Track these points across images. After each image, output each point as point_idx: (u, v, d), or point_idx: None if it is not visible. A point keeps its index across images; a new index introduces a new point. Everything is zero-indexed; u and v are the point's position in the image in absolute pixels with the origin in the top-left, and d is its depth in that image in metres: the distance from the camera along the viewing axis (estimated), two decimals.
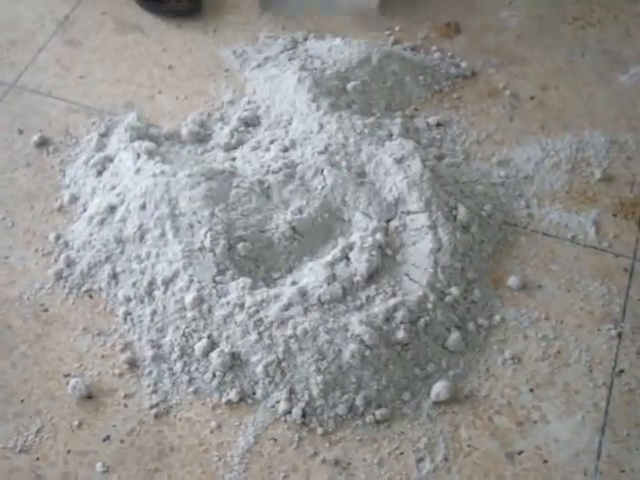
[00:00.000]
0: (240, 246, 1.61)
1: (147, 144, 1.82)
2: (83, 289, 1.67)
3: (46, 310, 1.65)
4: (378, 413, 1.47)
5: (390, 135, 1.82)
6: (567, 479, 1.41)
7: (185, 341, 1.56)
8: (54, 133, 1.95)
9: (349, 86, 1.94)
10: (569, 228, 1.73)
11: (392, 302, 1.54)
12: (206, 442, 1.47)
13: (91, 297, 1.66)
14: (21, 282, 1.69)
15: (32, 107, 2.02)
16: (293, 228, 1.65)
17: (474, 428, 1.47)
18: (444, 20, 2.17)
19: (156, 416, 1.50)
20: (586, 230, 1.72)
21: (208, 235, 1.61)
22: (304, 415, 1.48)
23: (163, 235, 1.65)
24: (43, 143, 1.93)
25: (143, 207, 1.68)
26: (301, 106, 1.88)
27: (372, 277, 1.60)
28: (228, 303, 1.55)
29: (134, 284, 1.64)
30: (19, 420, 1.50)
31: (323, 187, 1.70)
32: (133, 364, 1.56)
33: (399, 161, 1.71)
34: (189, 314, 1.57)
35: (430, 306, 1.55)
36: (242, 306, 1.54)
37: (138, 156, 1.79)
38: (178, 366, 1.54)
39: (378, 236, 1.63)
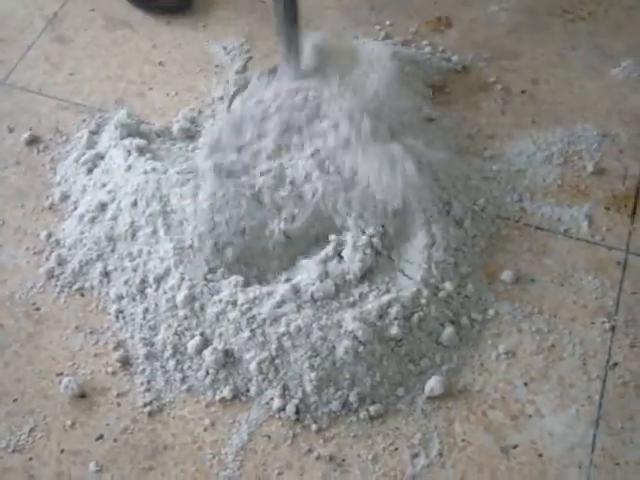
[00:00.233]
0: (229, 250, 1.61)
1: (138, 141, 1.81)
2: (75, 287, 1.66)
3: (38, 309, 1.64)
4: (372, 409, 1.47)
5: None
6: (562, 473, 1.41)
7: (178, 339, 1.55)
8: (44, 131, 1.94)
9: None
10: (562, 222, 1.73)
11: (386, 298, 1.54)
12: (200, 440, 1.47)
13: (83, 295, 1.65)
14: (12, 281, 1.68)
15: (22, 105, 2.01)
16: (285, 234, 1.64)
17: (468, 423, 1.47)
18: (435, 14, 2.17)
19: (149, 414, 1.50)
20: (579, 223, 1.72)
21: (195, 234, 1.61)
22: (298, 412, 1.47)
23: (155, 232, 1.64)
24: (33, 141, 1.92)
25: (134, 204, 1.68)
26: None
27: (365, 275, 1.59)
28: (220, 300, 1.55)
29: (126, 282, 1.63)
30: (12, 419, 1.50)
31: (314, 193, 1.66)
32: (126, 362, 1.56)
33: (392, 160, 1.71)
34: (181, 312, 1.56)
35: (424, 301, 1.55)
36: (235, 303, 1.54)
37: (129, 153, 1.78)
38: (171, 364, 1.54)
39: (373, 238, 1.62)
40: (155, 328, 1.58)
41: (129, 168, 1.74)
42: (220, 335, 1.53)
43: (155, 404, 1.51)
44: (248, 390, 1.50)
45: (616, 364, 1.53)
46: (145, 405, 1.50)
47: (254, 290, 1.56)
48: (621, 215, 1.74)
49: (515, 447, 1.44)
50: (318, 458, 1.43)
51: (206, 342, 1.54)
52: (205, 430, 1.48)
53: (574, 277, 1.65)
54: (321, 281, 1.56)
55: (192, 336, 1.55)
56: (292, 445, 1.45)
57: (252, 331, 1.51)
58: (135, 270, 1.63)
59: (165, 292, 1.59)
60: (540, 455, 1.43)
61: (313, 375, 1.47)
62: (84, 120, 1.96)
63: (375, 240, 1.61)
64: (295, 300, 1.54)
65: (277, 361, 1.49)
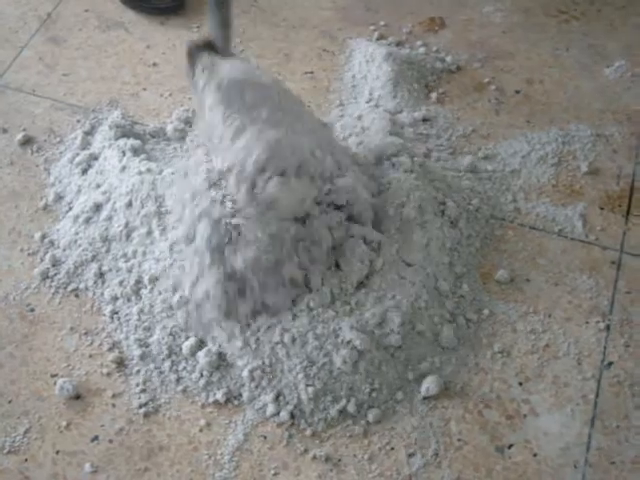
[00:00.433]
0: None
1: (132, 142, 1.81)
2: (69, 288, 1.66)
3: (32, 310, 1.63)
4: (371, 415, 1.46)
5: None
6: (557, 472, 1.41)
7: (172, 340, 1.55)
8: (38, 132, 1.93)
9: None
10: (556, 222, 1.73)
11: (383, 305, 1.52)
12: (195, 441, 1.46)
13: (77, 296, 1.65)
14: (6, 282, 1.68)
15: (15, 105, 2.00)
16: None
17: (464, 422, 1.47)
18: (429, 14, 2.17)
19: (145, 415, 1.49)
20: (573, 223, 1.72)
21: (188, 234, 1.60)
22: (293, 417, 1.46)
23: (150, 233, 1.64)
24: (27, 142, 1.91)
25: (129, 205, 1.67)
26: None
27: (362, 282, 1.57)
28: None
29: (121, 283, 1.63)
30: (7, 421, 1.49)
31: None
32: (121, 363, 1.55)
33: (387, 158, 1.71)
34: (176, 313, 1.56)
35: (422, 304, 1.54)
36: None
37: (123, 154, 1.77)
38: (166, 365, 1.53)
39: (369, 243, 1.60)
40: (150, 329, 1.57)
41: (123, 169, 1.74)
42: (214, 337, 1.53)
43: (150, 405, 1.50)
44: (241, 395, 1.49)
45: (611, 363, 1.53)
46: (140, 406, 1.50)
47: None
48: (615, 215, 1.74)
49: (510, 446, 1.44)
50: (314, 458, 1.43)
51: (201, 344, 1.53)
52: (201, 431, 1.47)
53: (569, 277, 1.65)
54: (317, 290, 1.54)
55: (187, 337, 1.54)
56: (288, 445, 1.45)
57: (245, 339, 1.50)
58: (130, 271, 1.63)
59: (160, 293, 1.58)
60: (535, 454, 1.43)
61: (310, 390, 1.45)
62: (78, 121, 1.95)
63: (371, 245, 1.60)
64: (290, 308, 1.52)
65: (270, 370, 1.48)
